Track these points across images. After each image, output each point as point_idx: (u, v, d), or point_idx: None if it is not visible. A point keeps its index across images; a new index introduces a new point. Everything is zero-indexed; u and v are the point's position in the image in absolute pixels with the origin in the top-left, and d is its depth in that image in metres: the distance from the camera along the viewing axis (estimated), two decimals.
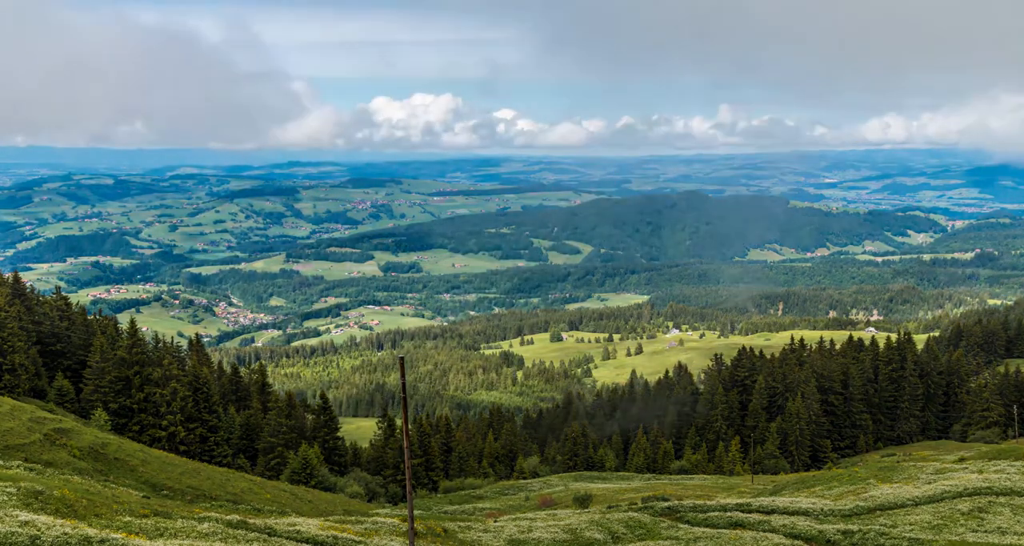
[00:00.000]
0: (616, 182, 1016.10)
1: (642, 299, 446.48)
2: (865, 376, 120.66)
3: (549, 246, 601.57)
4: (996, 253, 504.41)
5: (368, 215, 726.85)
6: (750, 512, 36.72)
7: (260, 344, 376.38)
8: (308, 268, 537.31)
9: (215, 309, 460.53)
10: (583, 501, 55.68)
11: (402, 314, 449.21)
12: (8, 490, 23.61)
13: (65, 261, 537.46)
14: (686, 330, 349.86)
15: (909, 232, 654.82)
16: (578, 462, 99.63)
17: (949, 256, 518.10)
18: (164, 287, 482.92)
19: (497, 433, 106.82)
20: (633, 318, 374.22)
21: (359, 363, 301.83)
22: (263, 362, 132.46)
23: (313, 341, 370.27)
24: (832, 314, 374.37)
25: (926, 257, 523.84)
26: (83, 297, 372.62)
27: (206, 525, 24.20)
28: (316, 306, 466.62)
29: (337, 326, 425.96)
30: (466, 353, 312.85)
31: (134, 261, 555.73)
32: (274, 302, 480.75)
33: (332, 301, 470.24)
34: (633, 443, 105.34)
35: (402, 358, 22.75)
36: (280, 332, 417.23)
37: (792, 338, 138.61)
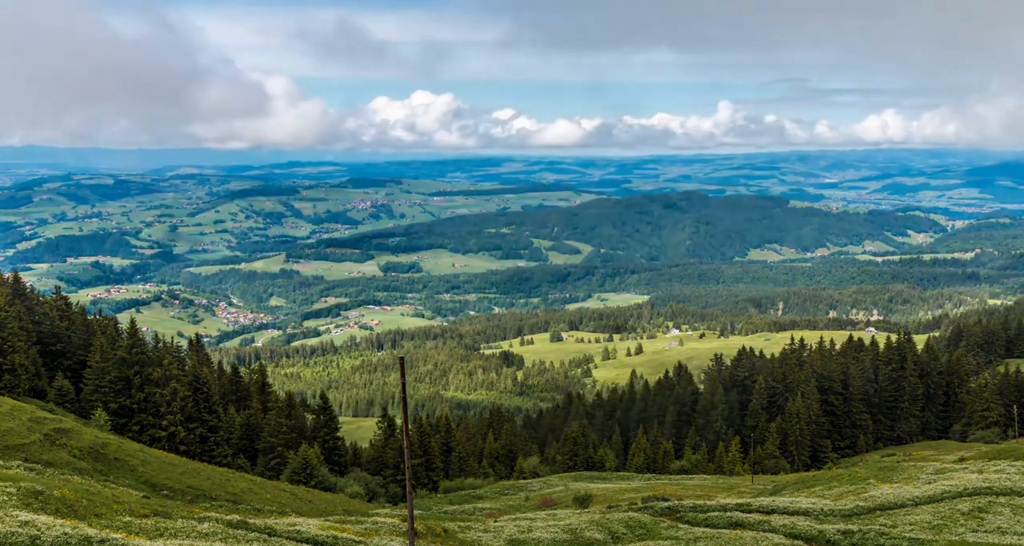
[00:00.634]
0: (616, 182, 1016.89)
1: (642, 299, 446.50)
2: (865, 376, 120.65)
3: (549, 246, 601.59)
4: (996, 253, 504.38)
5: (368, 215, 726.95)
6: (750, 512, 36.72)
7: (260, 344, 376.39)
8: (308, 268, 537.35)
9: (215, 309, 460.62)
10: (583, 501, 55.67)
11: (402, 314, 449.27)
12: (8, 490, 23.61)
13: (65, 261, 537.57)
14: (686, 330, 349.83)
15: (909, 232, 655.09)
16: (578, 462, 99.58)
17: (949, 256, 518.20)
18: (164, 287, 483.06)
19: (497, 433, 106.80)
20: (633, 318, 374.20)
21: (359, 363, 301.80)
22: (263, 362, 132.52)
23: (313, 341, 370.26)
24: (832, 314, 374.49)
25: (926, 257, 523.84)
26: (83, 297, 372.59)
27: (206, 525, 24.20)
28: (316, 306, 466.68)
29: (337, 326, 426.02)
30: (466, 353, 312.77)
31: (134, 261, 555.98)
32: (274, 302, 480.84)
33: (332, 301, 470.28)
34: (633, 443, 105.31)
35: (402, 358, 22.75)
36: (280, 332, 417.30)
37: (792, 338, 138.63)
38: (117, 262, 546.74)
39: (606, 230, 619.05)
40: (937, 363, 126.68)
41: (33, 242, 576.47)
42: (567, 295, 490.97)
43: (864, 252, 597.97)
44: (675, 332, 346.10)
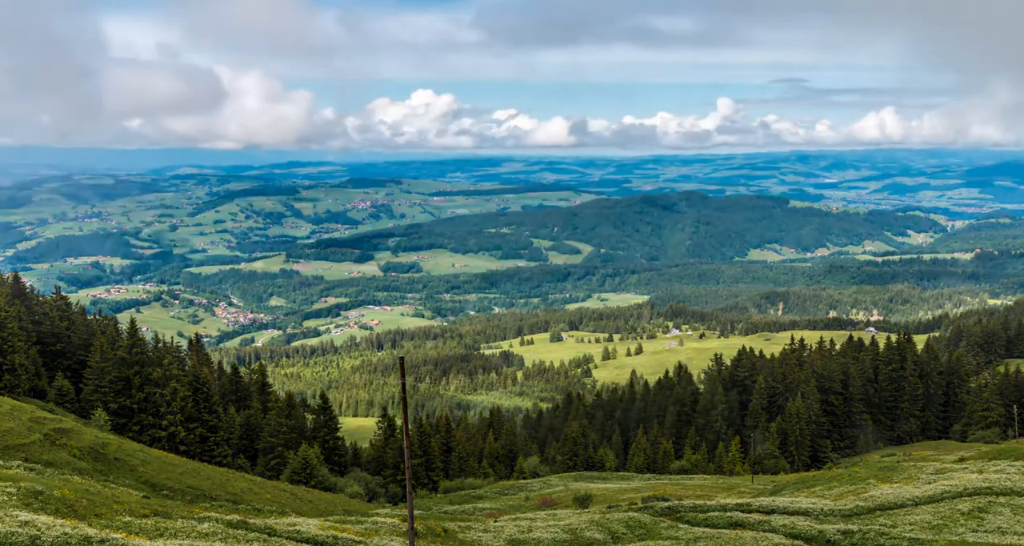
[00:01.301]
0: (616, 182, 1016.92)
1: (642, 299, 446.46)
2: (865, 376, 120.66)
3: (549, 246, 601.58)
4: (996, 253, 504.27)
5: (368, 215, 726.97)
6: (750, 512, 36.72)
7: (260, 344, 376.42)
8: (308, 268, 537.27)
9: (215, 309, 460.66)
10: (583, 501, 55.66)
11: (402, 314, 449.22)
12: (8, 490, 23.60)
13: (65, 261, 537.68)
14: (686, 330, 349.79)
15: (909, 232, 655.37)
16: (578, 462, 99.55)
17: (949, 256, 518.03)
18: (164, 287, 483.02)
19: (497, 433, 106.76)
20: (633, 318, 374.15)
21: (359, 363, 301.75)
22: (263, 362, 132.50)
23: (313, 341, 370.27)
24: (832, 314, 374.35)
25: (926, 257, 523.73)
26: (83, 297, 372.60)
27: (206, 525, 24.20)
28: (316, 306, 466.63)
29: (337, 326, 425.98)
30: (466, 353, 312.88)
31: (134, 261, 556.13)
32: (274, 302, 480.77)
33: (332, 301, 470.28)
34: (633, 443, 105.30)
35: (402, 358, 22.76)
36: (280, 332, 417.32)
37: (792, 338, 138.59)
38: (117, 262, 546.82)
39: (606, 230, 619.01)
40: (937, 363, 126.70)
41: (33, 242, 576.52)
42: (567, 295, 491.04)
43: (864, 252, 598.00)
44: (675, 332, 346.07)
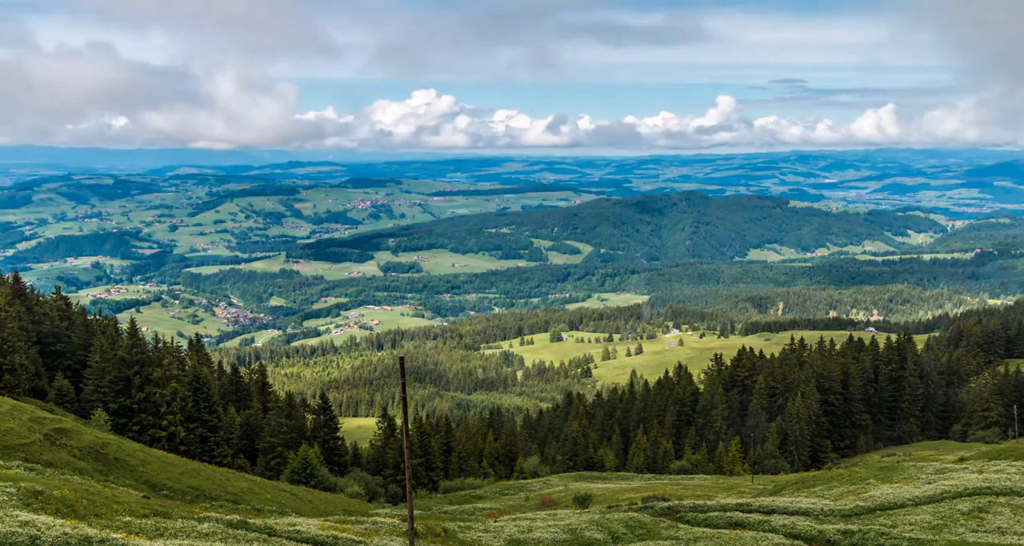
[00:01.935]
0: (616, 182, 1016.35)
1: (642, 299, 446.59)
2: (865, 376, 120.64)
3: (549, 246, 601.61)
4: (996, 253, 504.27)
5: (368, 215, 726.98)
6: (750, 512, 36.72)
7: (260, 344, 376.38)
8: (308, 268, 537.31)
9: (215, 309, 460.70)
10: (583, 501, 55.67)
11: (402, 314, 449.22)
12: (8, 490, 23.60)
13: (65, 261, 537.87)
14: (686, 330, 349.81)
15: (909, 232, 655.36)
16: (578, 462, 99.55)
17: (949, 256, 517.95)
18: (164, 287, 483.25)
19: (497, 433, 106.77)
20: (633, 318, 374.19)
21: (359, 363, 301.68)
22: (263, 362, 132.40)
23: (313, 341, 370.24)
24: (832, 314, 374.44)
25: (926, 257, 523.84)
26: (83, 297, 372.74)
27: (206, 525, 24.19)
28: (316, 306, 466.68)
29: (337, 326, 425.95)
30: (466, 353, 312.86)
31: (134, 261, 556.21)
32: (274, 302, 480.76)
33: (332, 301, 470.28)
34: (633, 443, 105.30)
35: (402, 358, 22.75)
36: (280, 332, 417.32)
37: (792, 338, 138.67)
38: (117, 262, 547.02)
39: (606, 230, 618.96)
40: (937, 363, 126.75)
41: (33, 242, 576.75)
42: (567, 295, 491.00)
43: (864, 252, 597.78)
44: (675, 332, 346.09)
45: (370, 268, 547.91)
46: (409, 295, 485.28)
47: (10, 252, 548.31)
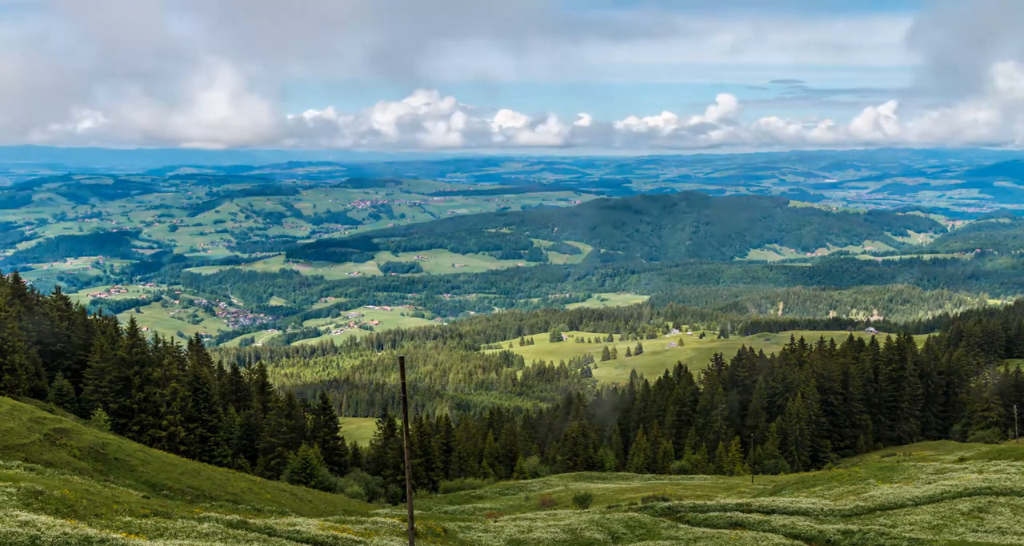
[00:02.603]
0: (616, 182, 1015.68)
1: (642, 299, 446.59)
2: (865, 376, 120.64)
3: (549, 246, 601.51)
4: (996, 253, 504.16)
5: (368, 215, 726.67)
6: (750, 512, 36.72)
7: (260, 344, 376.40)
8: (308, 268, 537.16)
9: (215, 309, 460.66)
10: (583, 501, 55.67)
11: (402, 314, 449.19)
12: (8, 490, 23.60)
13: (65, 261, 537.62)
14: (686, 330, 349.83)
15: (909, 232, 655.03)
16: (578, 462, 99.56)
17: (949, 256, 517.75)
18: (164, 287, 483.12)
19: (497, 433, 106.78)
20: (633, 318, 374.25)
21: (359, 363, 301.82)
22: (263, 362, 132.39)
23: (313, 341, 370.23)
24: (832, 314, 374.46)
25: (926, 257, 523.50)
26: (83, 297, 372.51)
27: (206, 525, 24.20)
28: (316, 306, 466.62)
29: (337, 326, 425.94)
30: (466, 353, 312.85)
31: (134, 261, 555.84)
32: (274, 302, 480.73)
33: (332, 301, 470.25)
34: (633, 443, 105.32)
35: (402, 358, 22.76)
36: (280, 332, 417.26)
37: (792, 338, 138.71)
38: (117, 262, 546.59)
39: (606, 230, 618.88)
40: (937, 363, 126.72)
41: (33, 242, 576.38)
42: (567, 295, 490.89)
43: (864, 252, 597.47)
44: (675, 332, 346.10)
45: (370, 268, 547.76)
46: (409, 295, 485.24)
47: (10, 252, 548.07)
